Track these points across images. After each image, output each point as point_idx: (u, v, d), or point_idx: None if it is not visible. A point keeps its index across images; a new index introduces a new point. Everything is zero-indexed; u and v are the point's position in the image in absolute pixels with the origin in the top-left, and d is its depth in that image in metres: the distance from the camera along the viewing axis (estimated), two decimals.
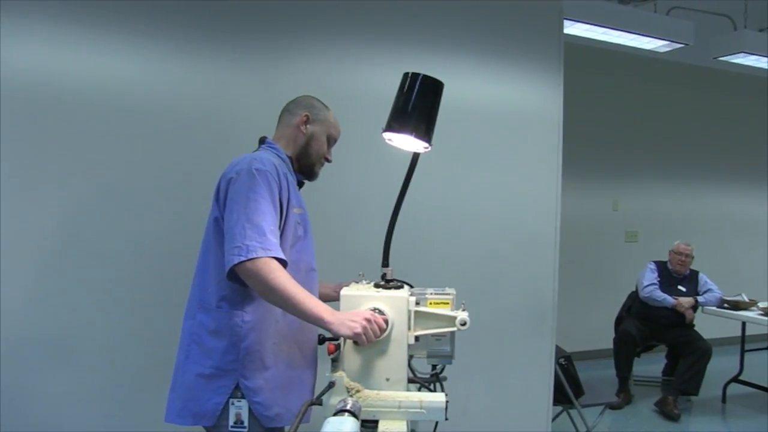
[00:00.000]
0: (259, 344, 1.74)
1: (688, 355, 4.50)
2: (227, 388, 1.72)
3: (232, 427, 1.72)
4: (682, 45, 4.02)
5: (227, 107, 2.51)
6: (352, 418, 1.30)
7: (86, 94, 2.31)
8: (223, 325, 1.74)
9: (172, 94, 2.44)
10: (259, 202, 1.66)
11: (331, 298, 1.96)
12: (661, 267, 4.83)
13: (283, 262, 1.64)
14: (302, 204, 1.90)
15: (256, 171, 1.69)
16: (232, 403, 1.72)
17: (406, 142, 1.74)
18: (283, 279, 1.60)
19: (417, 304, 1.65)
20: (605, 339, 4.96)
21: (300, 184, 1.98)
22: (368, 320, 1.55)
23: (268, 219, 1.65)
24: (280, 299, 1.61)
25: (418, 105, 1.71)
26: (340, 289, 1.72)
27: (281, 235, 1.73)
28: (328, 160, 2.00)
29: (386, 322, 1.58)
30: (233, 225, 1.64)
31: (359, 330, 1.53)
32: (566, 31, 3.32)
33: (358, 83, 2.74)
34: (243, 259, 1.59)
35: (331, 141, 1.99)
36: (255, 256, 1.59)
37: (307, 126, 1.93)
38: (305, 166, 1.95)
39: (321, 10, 2.66)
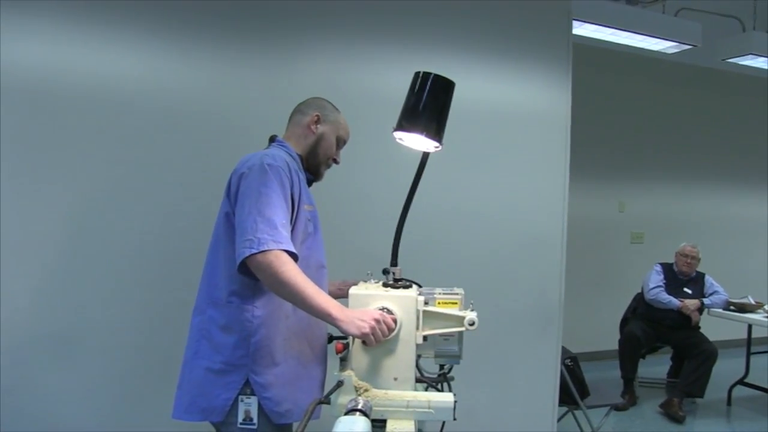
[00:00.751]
0: (270, 339, 1.74)
1: (693, 357, 4.49)
2: (237, 383, 1.72)
3: (241, 424, 1.72)
4: (690, 46, 4.00)
5: (233, 106, 2.52)
6: (363, 418, 1.30)
7: (88, 92, 2.32)
8: (233, 320, 1.74)
9: (178, 92, 2.45)
10: (271, 197, 1.66)
11: (334, 296, 1.96)
12: (667, 269, 4.82)
13: (294, 256, 1.64)
14: (312, 201, 1.90)
15: (267, 166, 1.70)
16: (242, 400, 1.72)
17: (417, 142, 1.74)
18: (293, 273, 1.60)
19: (425, 303, 1.65)
20: (611, 340, 4.96)
21: (309, 182, 1.98)
22: (377, 320, 1.55)
23: (279, 213, 1.66)
24: (290, 293, 1.61)
25: (429, 104, 1.70)
26: (345, 286, 1.72)
27: (292, 232, 1.73)
28: (336, 162, 2.00)
29: (395, 321, 1.58)
30: (245, 218, 1.64)
31: (367, 330, 1.53)
32: (574, 31, 3.32)
33: (366, 82, 2.74)
34: (254, 251, 1.59)
35: (340, 143, 2.00)
36: (266, 248, 1.59)
37: (318, 126, 1.93)
38: (312, 166, 1.96)
39: (328, 9, 2.66)
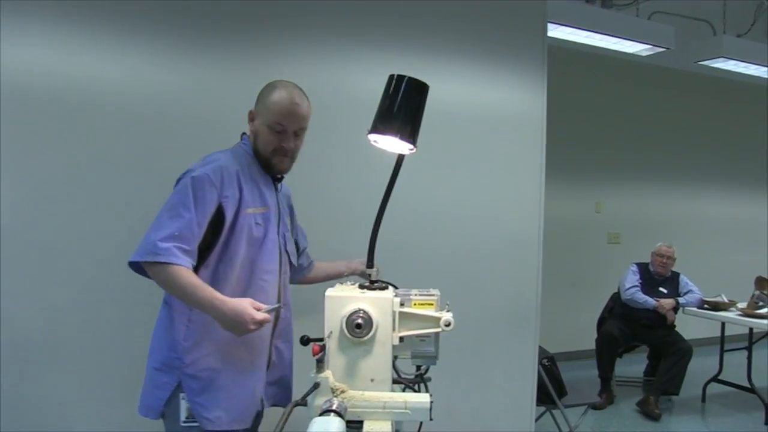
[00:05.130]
0: (202, 345, 1.75)
1: (669, 356, 4.56)
2: (170, 384, 1.75)
3: (184, 422, 1.73)
4: (664, 49, 4.07)
5: (221, 108, 2.50)
6: (338, 419, 1.30)
7: (82, 94, 2.30)
8: (171, 322, 1.77)
9: (166, 95, 2.43)
10: (178, 209, 1.69)
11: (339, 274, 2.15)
12: (643, 269, 4.88)
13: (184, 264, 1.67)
14: (266, 202, 1.87)
15: (191, 179, 1.72)
16: (183, 398, 1.73)
17: (391, 144, 1.75)
18: (172, 282, 1.65)
19: (401, 305, 1.66)
20: (588, 340, 5.01)
21: (279, 179, 1.97)
22: (255, 324, 1.65)
23: (177, 224, 1.67)
24: (178, 296, 1.71)
25: (403, 107, 1.71)
26: (349, 266, 1.95)
27: (231, 238, 1.76)
28: (286, 150, 1.86)
29: (370, 322, 1.59)
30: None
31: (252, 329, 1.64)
32: (549, 34, 3.35)
33: (344, 85, 2.74)
34: (134, 259, 1.68)
35: (278, 127, 1.84)
36: (139, 259, 1.66)
37: (254, 123, 1.91)
38: (261, 161, 1.90)
39: (308, 12, 2.66)
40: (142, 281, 2.34)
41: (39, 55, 2.23)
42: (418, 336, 1.70)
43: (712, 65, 4.51)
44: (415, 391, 1.73)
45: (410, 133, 1.72)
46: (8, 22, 2.18)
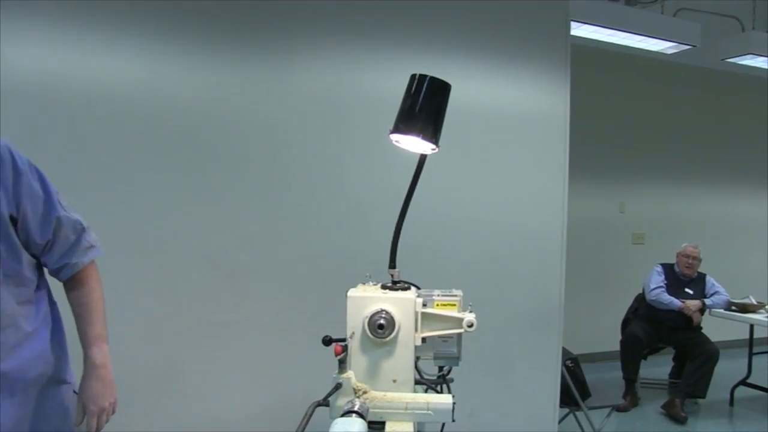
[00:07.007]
0: None
1: (695, 358, 4.49)
2: None
3: None
4: (689, 46, 4.01)
5: (231, 108, 2.52)
6: (360, 419, 1.30)
7: (87, 94, 2.32)
8: None
9: (175, 94, 2.45)
10: None
11: None
12: (668, 269, 4.81)
13: None
14: None
15: None
16: None
17: (414, 144, 1.75)
18: None
19: (424, 305, 1.65)
20: (612, 341, 4.95)
21: None
22: None
23: None
24: None
25: (425, 107, 1.71)
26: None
27: None
28: None
29: (392, 322, 1.58)
30: None
31: None
32: (573, 32, 3.33)
33: (364, 84, 2.74)
34: None
35: None
36: None
37: None
38: None
39: (326, 12, 2.66)
40: (143, 282, 2.38)
41: (39, 55, 2.25)
42: (440, 337, 1.70)
43: (740, 62, 4.43)
44: (437, 392, 1.72)
45: (432, 133, 1.72)
46: (8, 22, 2.20)
